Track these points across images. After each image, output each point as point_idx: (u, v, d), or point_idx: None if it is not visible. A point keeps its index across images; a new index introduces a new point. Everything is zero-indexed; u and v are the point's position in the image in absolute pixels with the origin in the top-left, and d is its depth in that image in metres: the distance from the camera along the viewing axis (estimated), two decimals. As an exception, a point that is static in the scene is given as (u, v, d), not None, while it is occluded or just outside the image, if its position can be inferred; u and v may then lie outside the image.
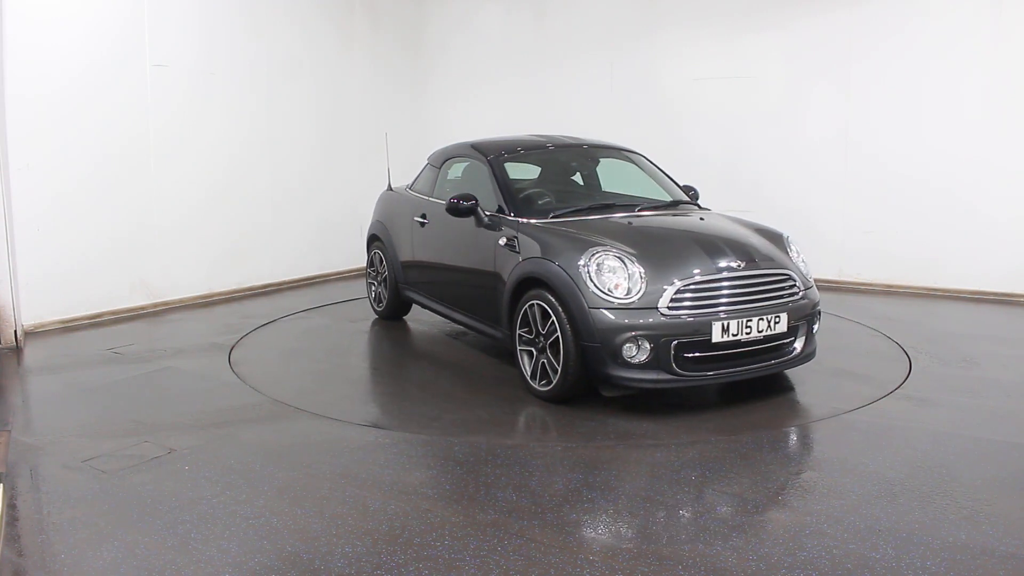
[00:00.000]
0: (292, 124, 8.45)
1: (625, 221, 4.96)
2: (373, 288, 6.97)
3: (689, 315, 4.26)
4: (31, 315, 6.21)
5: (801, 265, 4.84)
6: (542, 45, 9.41)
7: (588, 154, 6.04)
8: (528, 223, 4.95)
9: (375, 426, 4.25)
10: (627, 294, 4.26)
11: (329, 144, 8.94)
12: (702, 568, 2.76)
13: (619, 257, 4.36)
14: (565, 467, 3.68)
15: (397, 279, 6.54)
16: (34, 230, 6.20)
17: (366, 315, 7.01)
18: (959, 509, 3.18)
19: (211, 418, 4.34)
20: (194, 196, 7.47)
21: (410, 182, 6.75)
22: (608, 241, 4.52)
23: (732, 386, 4.79)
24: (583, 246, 4.48)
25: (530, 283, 4.66)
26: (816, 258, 7.96)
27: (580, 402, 4.49)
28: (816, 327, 4.77)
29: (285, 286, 8.36)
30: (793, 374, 4.94)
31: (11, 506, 3.28)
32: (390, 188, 6.99)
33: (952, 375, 5.05)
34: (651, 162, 5.98)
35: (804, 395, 4.71)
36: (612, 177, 6.04)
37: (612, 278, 4.29)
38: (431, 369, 5.53)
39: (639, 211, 5.18)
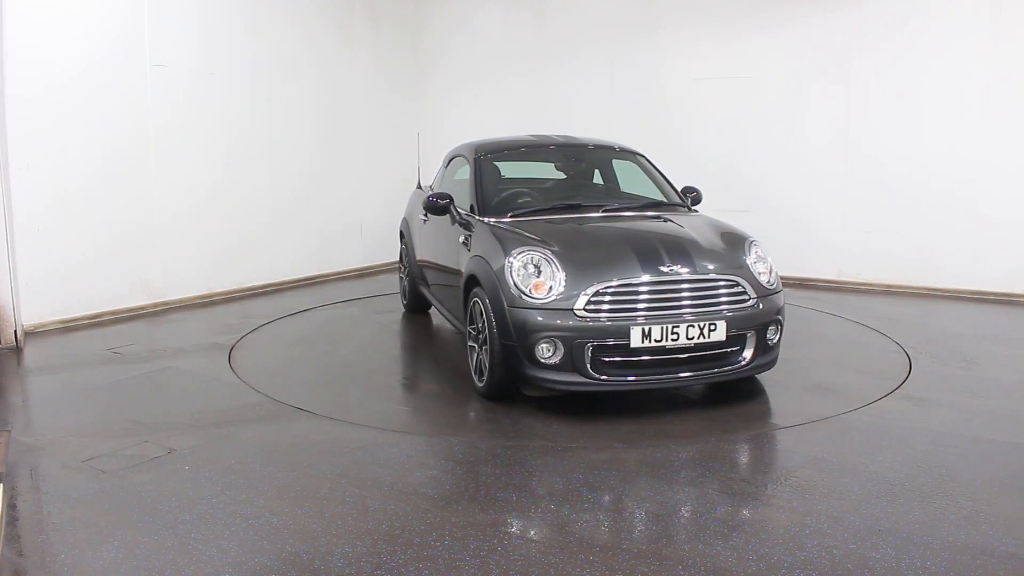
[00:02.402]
0: (292, 124, 8.46)
1: (577, 222, 4.89)
2: (401, 282, 7.18)
3: (607, 318, 4.16)
4: (31, 315, 6.21)
5: (762, 272, 4.53)
6: (542, 45, 9.42)
7: (585, 154, 6.01)
8: (483, 222, 4.99)
9: (375, 426, 4.25)
10: (547, 294, 4.22)
11: (329, 144, 8.94)
12: (702, 568, 2.76)
13: (543, 258, 4.32)
14: (564, 467, 3.68)
15: (413, 274, 6.68)
16: (34, 230, 6.20)
17: (373, 310, 7.10)
18: (959, 509, 3.18)
19: (211, 418, 4.34)
20: (194, 196, 7.47)
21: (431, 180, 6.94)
22: (537, 241, 4.48)
23: (729, 388, 4.79)
24: (510, 246, 4.46)
25: (474, 281, 4.68)
26: (816, 258, 8.00)
27: (579, 402, 4.49)
28: (774, 337, 4.50)
29: (285, 286, 8.36)
30: (792, 375, 4.94)
31: (11, 506, 3.28)
32: (419, 186, 7.18)
33: (952, 375, 5.04)
34: (649, 162, 5.97)
35: (804, 396, 4.71)
36: (609, 177, 6.03)
37: (533, 278, 4.27)
38: (432, 368, 5.53)
39: (604, 211, 5.11)
